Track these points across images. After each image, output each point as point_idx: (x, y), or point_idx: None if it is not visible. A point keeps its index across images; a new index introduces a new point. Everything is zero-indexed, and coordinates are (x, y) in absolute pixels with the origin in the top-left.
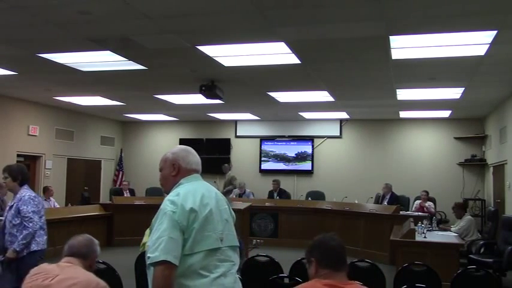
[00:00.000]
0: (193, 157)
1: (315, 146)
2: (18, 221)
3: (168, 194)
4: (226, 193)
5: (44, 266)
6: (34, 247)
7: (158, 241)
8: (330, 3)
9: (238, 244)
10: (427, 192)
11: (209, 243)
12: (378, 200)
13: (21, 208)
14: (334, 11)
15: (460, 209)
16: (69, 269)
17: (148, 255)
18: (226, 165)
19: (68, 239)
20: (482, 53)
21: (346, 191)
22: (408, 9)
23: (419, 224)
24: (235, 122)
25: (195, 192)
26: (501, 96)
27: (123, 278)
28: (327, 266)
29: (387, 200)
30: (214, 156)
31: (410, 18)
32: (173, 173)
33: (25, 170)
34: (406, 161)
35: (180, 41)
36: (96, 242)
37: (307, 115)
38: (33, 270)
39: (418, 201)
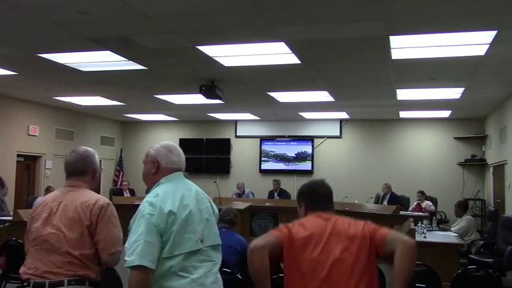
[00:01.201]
0: (175, 156)
1: (315, 146)
2: None
3: (149, 191)
4: None
5: (45, 198)
6: None
7: (135, 245)
8: (329, 3)
9: (220, 243)
10: (422, 192)
11: (189, 246)
12: (378, 200)
13: None
14: (334, 11)
15: (461, 208)
16: (70, 194)
17: (125, 258)
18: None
19: None
20: (482, 53)
21: (346, 191)
22: (408, 9)
23: (419, 224)
24: (235, 122)
25: (174, 193)
26: (501, 96)
27: (123, 278)
28: (316, 209)
29: (387, 200)
30: (214, 156)
31: (410, 18)
32: (152, 170)
33: None
34: (406, 161)
35: (180, 41)
36: (92, 151)
37: (307, 115)
38: (38, 203)
39: (415, 202)
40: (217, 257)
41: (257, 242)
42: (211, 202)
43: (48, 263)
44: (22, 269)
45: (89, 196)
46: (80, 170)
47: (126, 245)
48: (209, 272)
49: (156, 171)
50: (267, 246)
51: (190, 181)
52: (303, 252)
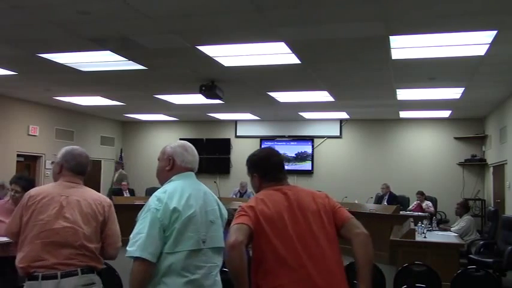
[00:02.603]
0: (190, 156)
1: (315, 146)
2: None
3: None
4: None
5: (43, 190)
6: None
7: (137, 236)
8: (330, 3)
9: (222, 245)
10: (421, 193)
11: (190, 244)
12: (378, 200)
13: None
14: (334, 11)
15: (463, 207)
16: (75, 190)
17: (127, 248)
18: (117, 163)
19: None
20: (482, 53)
21: (346, 191)
22: (408, 9)
23: (419, 224)
24: (235, 122)
25: (182, 191)
26: (501, 96)
27: (123, 278)
28: (270, 180)
29: (386, 200)
30: (214, 156)
31: (410, 18)
32: (167, 167)
33: None
34: (406, 161)
35: (180, 41)
36: (88, 154)
37: (307, 115)
38: (33, 195)
39: (415, 203)
40: (219, 260)
41: (236, 237)
42: (220, 205)
43: (59, 255)
44: (22, 262)
45: (97, 194)
46: (86, 171)
47: (130, 235)
48: (209, 274)
49: (170, 168)
50: (245, 240)
51: (200, 182)
52: (272, 231)
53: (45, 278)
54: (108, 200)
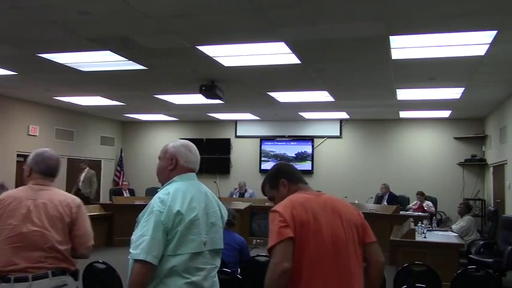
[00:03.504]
0: (193, 156)
1: (315, 146)
2: None
3: (162, 185)
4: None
5: (11, 194)
6: None
7: (141, 239)
8: (330, 3)
9: (222, 247)
10: (421, 193)
11: (193, 247)
12: (378, 200)
13: None
14: (334, 11)
15: (465, 207)
16: (43, 193)
17: (130, 250)
18: (82, 162)
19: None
20: (482, 53)
21: (346, 191)
22: (408, 9)
23: (419, 224)
24: (235, 122)
25: (185, 193)
26: (501, 96)
27: (123, 278)
28: (298, 181)
29: (385, 200)
30: (214, 156)
31: (410, 18)
32: (170, 167)
33: None
34: (406, 161)
35: (180, 41)
36: (58, 156)
37: (307, 115)
38: (1, 200)
39: (416, 202)
40: (217, 261)
41: (283, 262)
42: (221, 206)
43: (29, 258)
44: None
45: (64, 195)
46: (56, 173)
47: (132, 237)
48: (209, 276)
49: (173, 168)
50: (290, 261)
51: (201, 183)
52: (310, 236)
53: (17, 280)
54: (77, 200)
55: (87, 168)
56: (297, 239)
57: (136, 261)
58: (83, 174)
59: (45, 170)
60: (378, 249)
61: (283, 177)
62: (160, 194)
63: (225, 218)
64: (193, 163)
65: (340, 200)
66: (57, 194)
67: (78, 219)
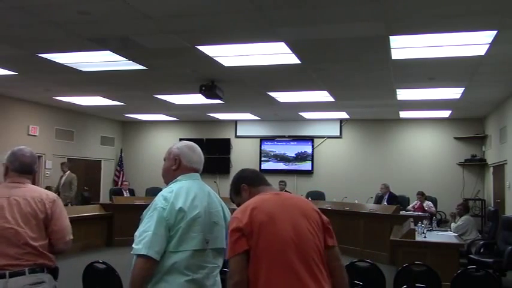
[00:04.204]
0: (196, 156)
1: (315, 146)
2: None
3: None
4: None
5: None
6: None
7: (143, 235)
8: (330, 3)
9: (224, 246)
10: (421, 193)
11: (194, 244)
12: (378, 200)
13: None
14: (334, 11)
15: (464, 208)
16: (18, 190)
17: (133, 245)
18: (63, 166)
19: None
20: (482, 53)
21: (346, 191)
22: (408, 9)
23: (419, 224)
24: (235, 122)
25: (188, 191)
26: (501, 96)
27: (123, 278)
28: (259, 184)
29: (385, 199)
30: (214, 156)
31: (410, 18)
32: (173, 167)
33: None
34: (406, 161)
35: (180, 41)
36: (34, 153)
37: (307, 115)
38: None
39: (416, 202)
40: (220, 261)
41: (234, 275)
42: (224, 207)
43: (6, 256)
44: None
45: (39, 191)
46: (32, 170)
47: (136, 233)
48: (211, 274)
49: (176, 168)
50: (246, 274)
51: (204, 183)
52: (267, 234)
53: None
54: (52, 195)
55: (68, 171)
56: (254, 241)
57: (138, 256)
58: (64, 178)
59: (20, 168)
60: (338, 254)
61: (242, 182)
62: (164, 191)
63: (228, 218)
64: (197, 163)
65: (301, 198)
66: (32, 191)
67: (54, 214)
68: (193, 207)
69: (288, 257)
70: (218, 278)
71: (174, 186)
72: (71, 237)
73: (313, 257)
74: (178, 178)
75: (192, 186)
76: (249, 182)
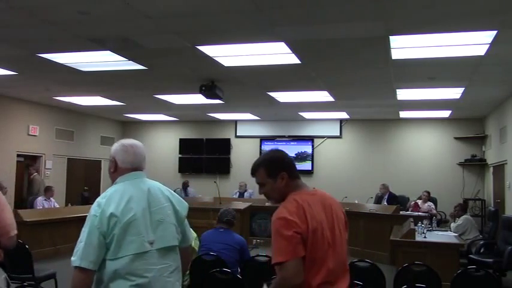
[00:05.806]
0: (129, 156)
1: (315, 146)
2: None
3: None
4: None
5: None
6: None
7: (78, 245)
8: (330, 3)
9: (175, 244)
10: (428, 192)
11: (133, 248)
12: (378, 200)
13: None
14: (334, 11)
15: (461, 209)
16: None
17: (72, 257)
18: (31, 168)
19: (67, 239)
20: (482, 53)
21: (346, 191)
22: (408, 9)
23: (419, 224)
24: (235, 122)
25: (122, 194)
26: (501, 96)
27: None
28: (295, 177)
29: (385, 200)
30: (214, 156)
31: (410, 18)
32: (111, 169)
33: None
34: (406, 161)
35: (180, 41)
36: None
37: (307, 115)
38: None
39: (413, 201)
40: (173, 260)
41: (295, 277)
42: (174, 201)
43: None
44: None
45: None
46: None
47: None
48: (160, 276)
49: (114, 170)
50: (302, 276)
51: (148, 180)
52: (314, 242)
53: None
54: None
55: (36, 173)
56: (308, 248)
57: (75, 267)
58: (31, 178)
59: None
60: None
61: (284, 169)
62: (100, 197)
63: (182, 211)
64: (131, 163)
65: (332, 198)
66: None
67: None
68: (127, 211)
69: (327, 264)
70: (171, 279)
71: (109, 190)
72: (15, 232)
73: (344, 262)
74: (116, 180)
75: (128, 188)
76: (290, 173)
